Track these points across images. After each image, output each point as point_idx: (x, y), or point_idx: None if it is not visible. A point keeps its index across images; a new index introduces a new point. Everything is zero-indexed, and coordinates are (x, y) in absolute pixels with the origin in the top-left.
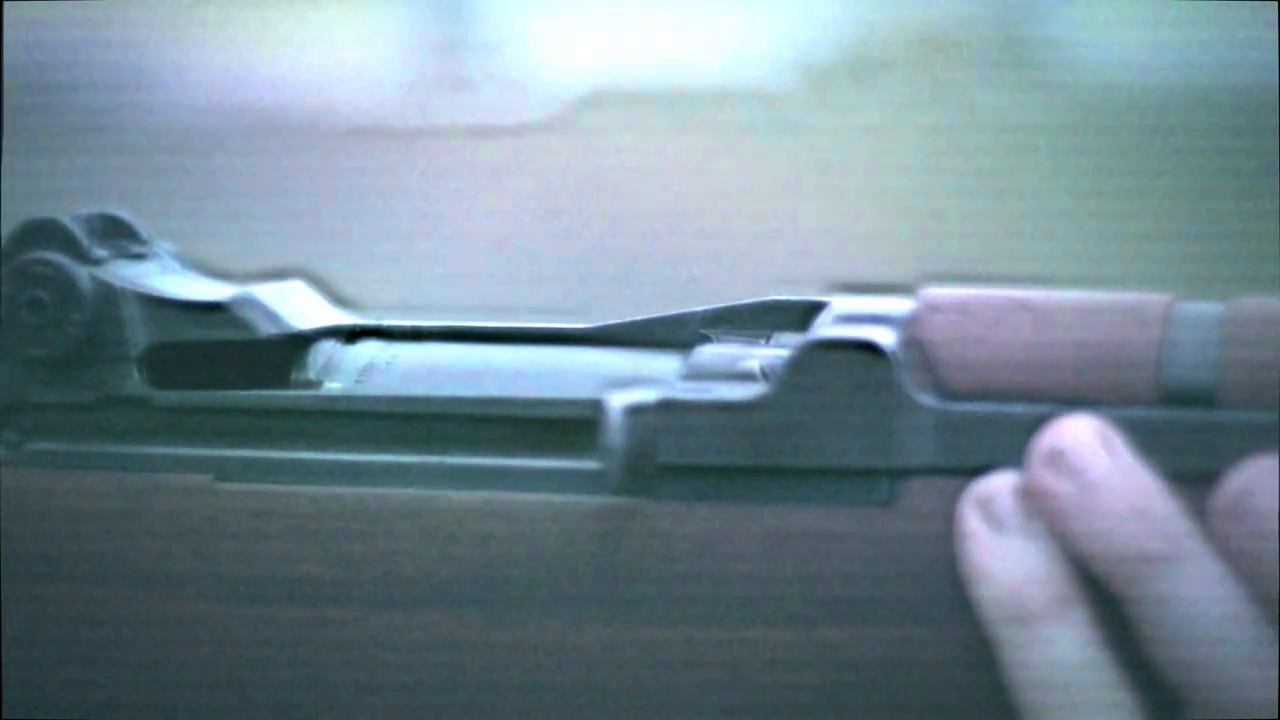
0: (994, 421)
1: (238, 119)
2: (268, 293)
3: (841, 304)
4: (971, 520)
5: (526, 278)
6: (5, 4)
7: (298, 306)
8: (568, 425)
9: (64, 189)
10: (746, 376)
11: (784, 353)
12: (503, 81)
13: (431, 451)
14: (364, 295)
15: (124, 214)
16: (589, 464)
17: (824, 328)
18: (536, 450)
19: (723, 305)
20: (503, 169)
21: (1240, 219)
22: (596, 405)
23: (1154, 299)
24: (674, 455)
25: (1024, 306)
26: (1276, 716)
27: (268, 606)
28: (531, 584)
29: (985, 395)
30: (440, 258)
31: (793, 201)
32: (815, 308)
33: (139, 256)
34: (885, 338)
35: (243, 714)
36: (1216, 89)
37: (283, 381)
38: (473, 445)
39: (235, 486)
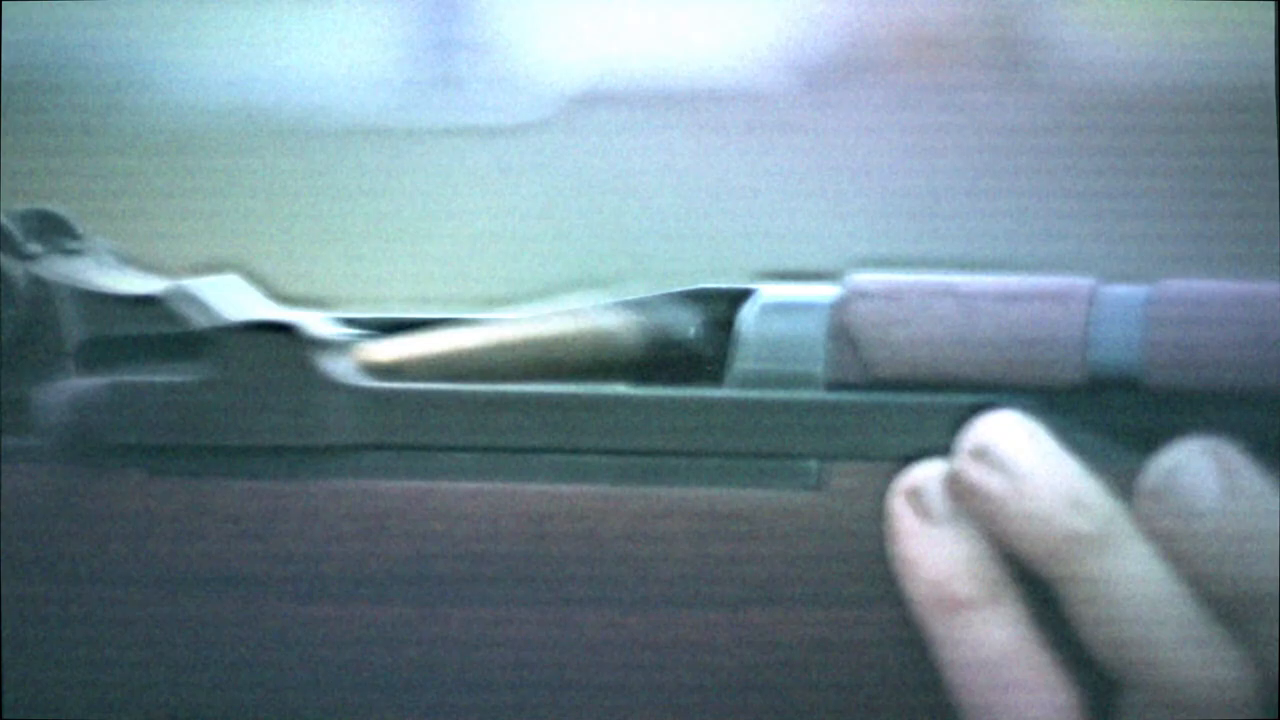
0: (917, 410)
1: (236, 119)
2: (202, 286)
3: (768, 291)
4: (901, 511)
5: (524, 277)
6: (4, 4)
7: (232, 299)
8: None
9: (64, 189)
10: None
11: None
12: (500, 81)
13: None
14: (362, 295)
15: (60, 210)
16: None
17: (742, 315)
18: None
19: (652, 294)
20: (500, 169)
21: (1239, 219)
22: (52, 387)
23: (1079, 282)
24: (123, 434)
25: (950, 292)
26: (1212, 694)
27: (200, 599)
28: (467, 571)
29: (911, 380)
30: (439, 257)
31: (792, 201)
32: (742, 295)
33: (74, 252)
34: (313, 321)
35: (171, 705)
36: (1215, 89)
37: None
38: None
39: (168, 480)
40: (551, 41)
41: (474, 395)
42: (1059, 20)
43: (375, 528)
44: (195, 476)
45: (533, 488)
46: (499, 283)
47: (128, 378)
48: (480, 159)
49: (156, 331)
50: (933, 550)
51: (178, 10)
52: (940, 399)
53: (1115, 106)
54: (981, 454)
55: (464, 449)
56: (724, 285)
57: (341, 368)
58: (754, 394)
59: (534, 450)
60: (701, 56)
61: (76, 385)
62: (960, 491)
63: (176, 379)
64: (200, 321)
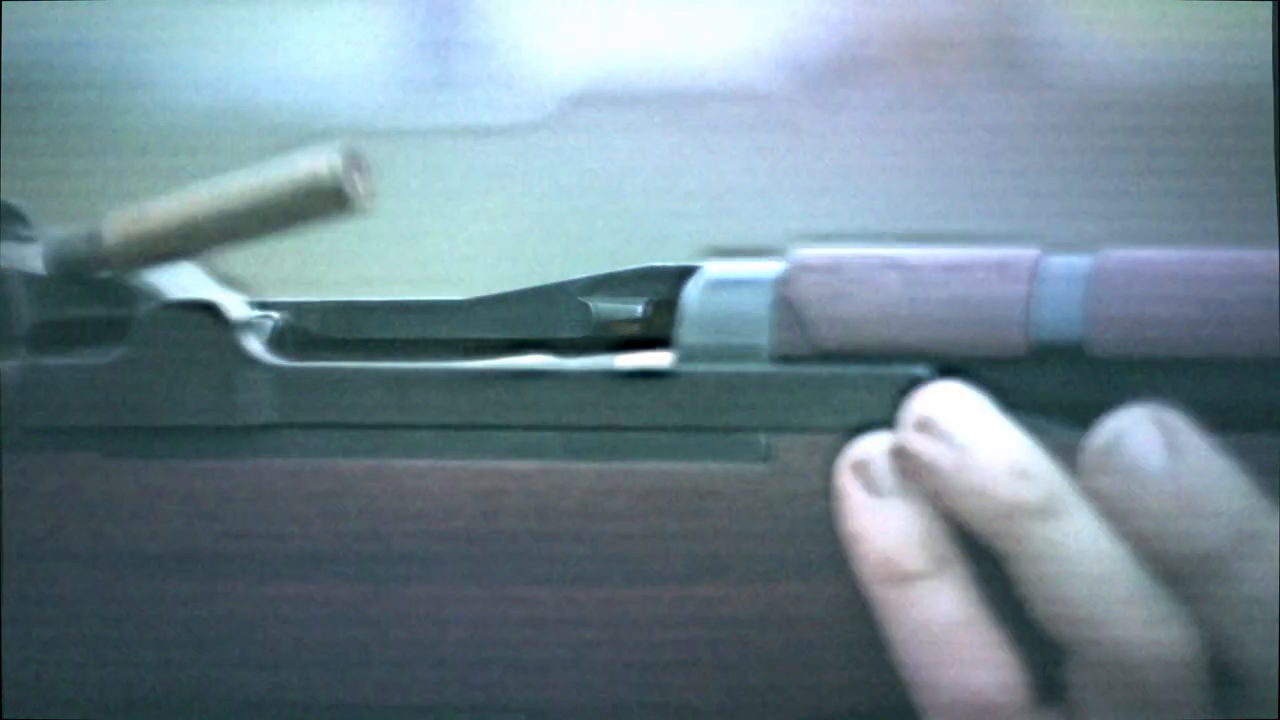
0: (862, 381)
1: (236, 119)
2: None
3: (713, 268)
4: (847, 484)
5: (523, 277)
6: (4, 4)
7: (182, 283)
8: None
9: (63, 189)
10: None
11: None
12: (499, 81)
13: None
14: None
15: (13, 201)
16: None
17: (686, 292)
18: None
19: (599, 273)
20: (497, 169)
21: (1239, 219)
22: None
23: (1023, 253)
24: (40, 417)
25: (894, 264)
26: (1161, 657)
27: (157, 579)
28: (418, 547)
29: (856, 352)
30: (437, 257)
31: (790, 201)
32: (688, 272)
33: (27, 240)
34: (231, 302)
35: (128, 684)
36: (1215, 89)
37: None
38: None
39: (120, 462)
40: (551, 41)
41: (410, 373)
42: (1059, 20)
43: (310, 506)
44: (115, 457)
45: (481, 464)
46: (498, 282)
47: (41, 361)
48: (480, 159)
49: (101, 314)
50: (878, 523)
51: (178, 10)
52: (886, 369)
53: (1115, 106)
54: (925, 425)
55: (401, 427)
56: (671, 264)
57: (259, 347)
58: (700, 367)
59: (479, 427)
60: (701, 56)
61: None
62: (905, 463)
63: (92, 361)
64: (150, 302)
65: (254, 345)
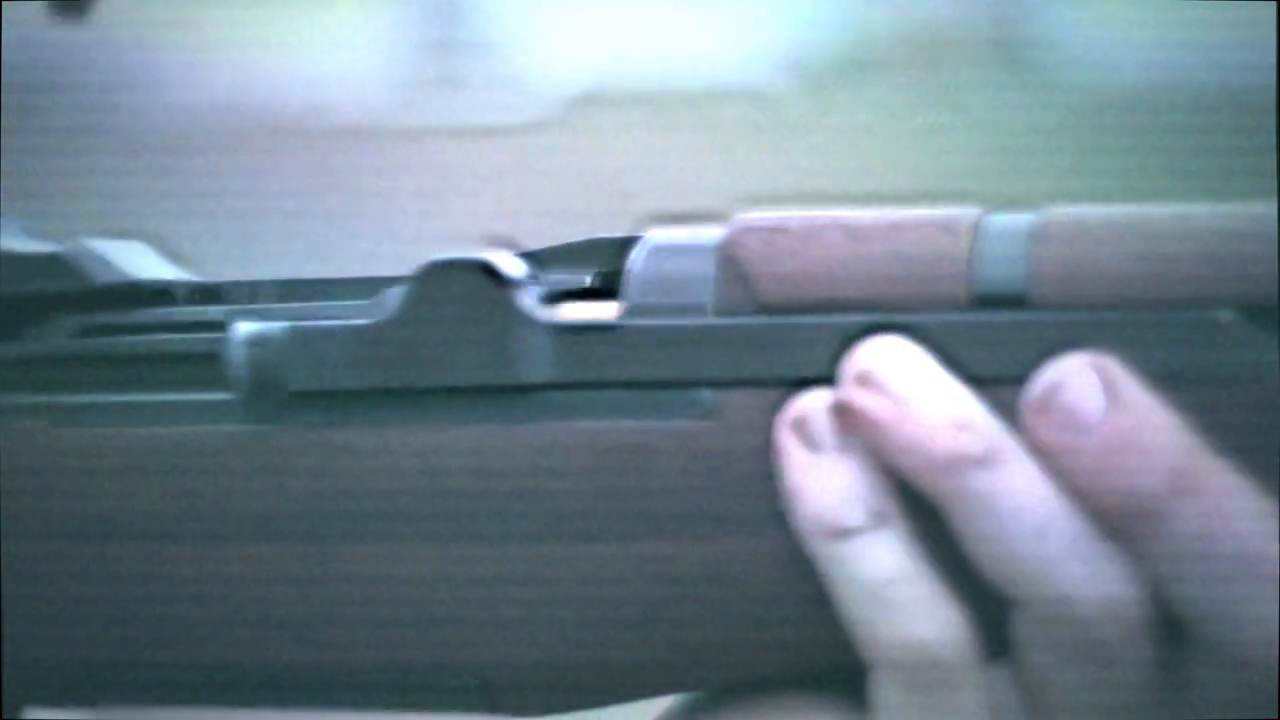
0: (809, 332)
1: (236, 119)
2: (104, 246)
3: (656, 235)
4: (787, 440)
5: None
6: (4, 4)
7: (135, 261)
8: (206, 360)
9: (63, 189)
10: (384, 308)
11: None
12: (500, 81)
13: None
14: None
15: None
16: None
17: (631, 258)
18: (175, 386)
19: (545, 246)
20: (499, 169)
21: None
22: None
23: (965, 212)
24: (303, 382)
25: (837, 225)
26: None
27: (108, 545)
28: (360, 511)
29: (800, 307)
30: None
31: (788, 201)
32: (635, 241)
33: None
34: (506, 260)
35: (81, 650)
36: (1216, 89)
37: (118, 331)
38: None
39: (70, 430)
40: (551, 41)
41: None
42: (1059, 20)
43: (273, 471)
44: (378, 425)
45: (424, 428)
46: None
47: (303, 323)
48: (480, 159)
49: (60, 288)
50: (817, 479)
51: (178, 10)
52: (829, 322)
53: (1115, 106)
54: (865, 379)
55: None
56: (617, 234)
57: (535, 307)
58: (644, 321)
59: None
60: (701, 56)
61: (249, 333)
62: (845, 418)
63: (359, 321)
64: (103, 278)
65: (530, 303)
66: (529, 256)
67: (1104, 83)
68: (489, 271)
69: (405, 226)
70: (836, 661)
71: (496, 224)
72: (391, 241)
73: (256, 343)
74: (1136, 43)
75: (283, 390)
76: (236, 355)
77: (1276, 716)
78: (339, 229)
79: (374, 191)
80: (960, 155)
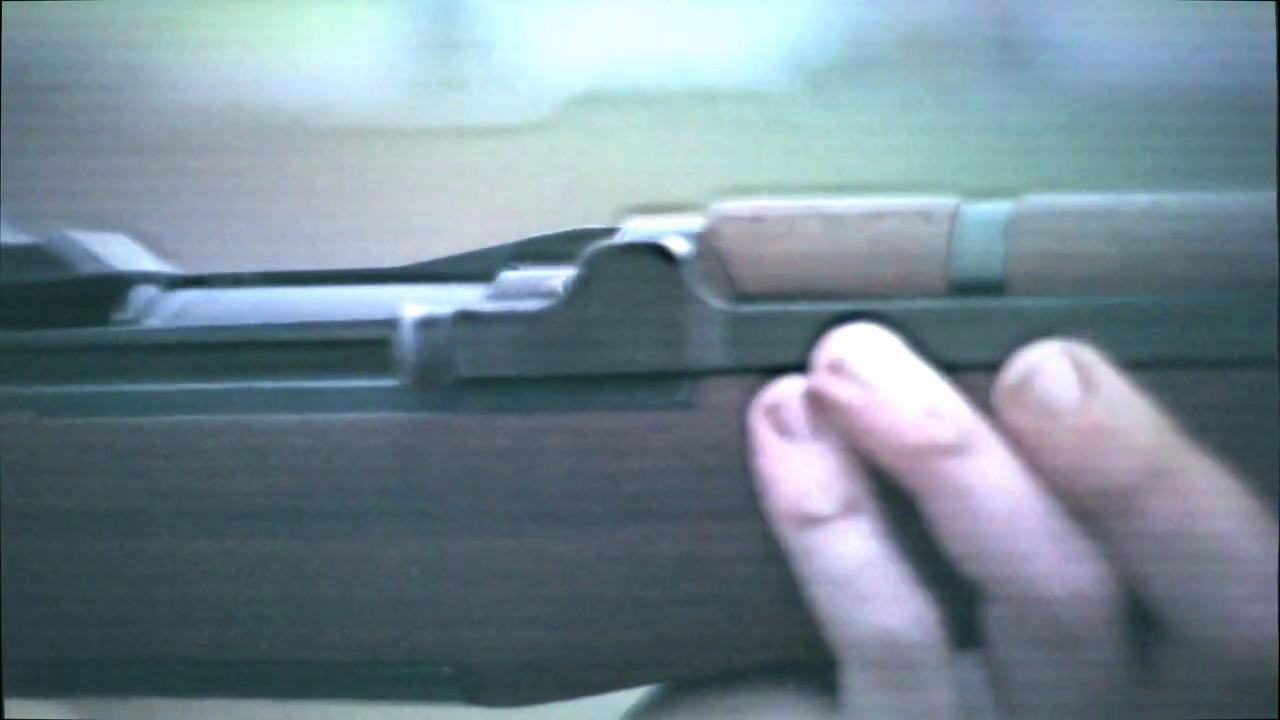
0: (789, 320)
1: (236, 119)
2: (88, 237)
3: (636, 225)
4: (760, 428)
5: None
6: (4, 4)
7: (118, 252)
8: (370, 345)
9: (63, 189)
10: (550, 294)
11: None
12: (501, 81)
13: (243, 379)
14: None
15: None
16: (391, 381)
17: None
18: (340, 371)
19: (527, 238)
20: (499, 169)
21: None
22: (393, 323)
23: (942, 200)
24: (472, 368)
25: (815, 213)
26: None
27: (93, 536)
28: (342, 501)
29: (780, 296)
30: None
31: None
32: (614, 233)
33: None
34: (673, 241)
35: (66, 641)
36: (1216, 89)
37: (102, 322)
38: (280, 371)
39: (57, 421)
40: (552, 41)
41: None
42: (1059, 20)
43: (242, 461)
44: (544, 411)
45: (400, 416)
46: None
47: (472, 308)
48: (480, 159)
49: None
50: (790, 466)
51: (178, 10)
52: (807, 310)
53: (1115, 106)
54: (837, 367)
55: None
56: (597, 225)
57: (706, 289)
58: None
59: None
60: (701, 56)
61: (420, 317)
62: (818, 406)
63: (529, 307)
64: (86, 270)
65: (699, 286)
66: (509, 249)
67: (1104, 83)
68: (660, 253)
69: (405, 226)
70: (816, 651)
71: (497, 223)
72: (392, 241)
73: (427, 327)
74: (1137, 43)
75: (453, 376)
76: (406, 341)
77: (1277, 717)
78: (338, 229)
79: (373, 191)
80: (961, 155)
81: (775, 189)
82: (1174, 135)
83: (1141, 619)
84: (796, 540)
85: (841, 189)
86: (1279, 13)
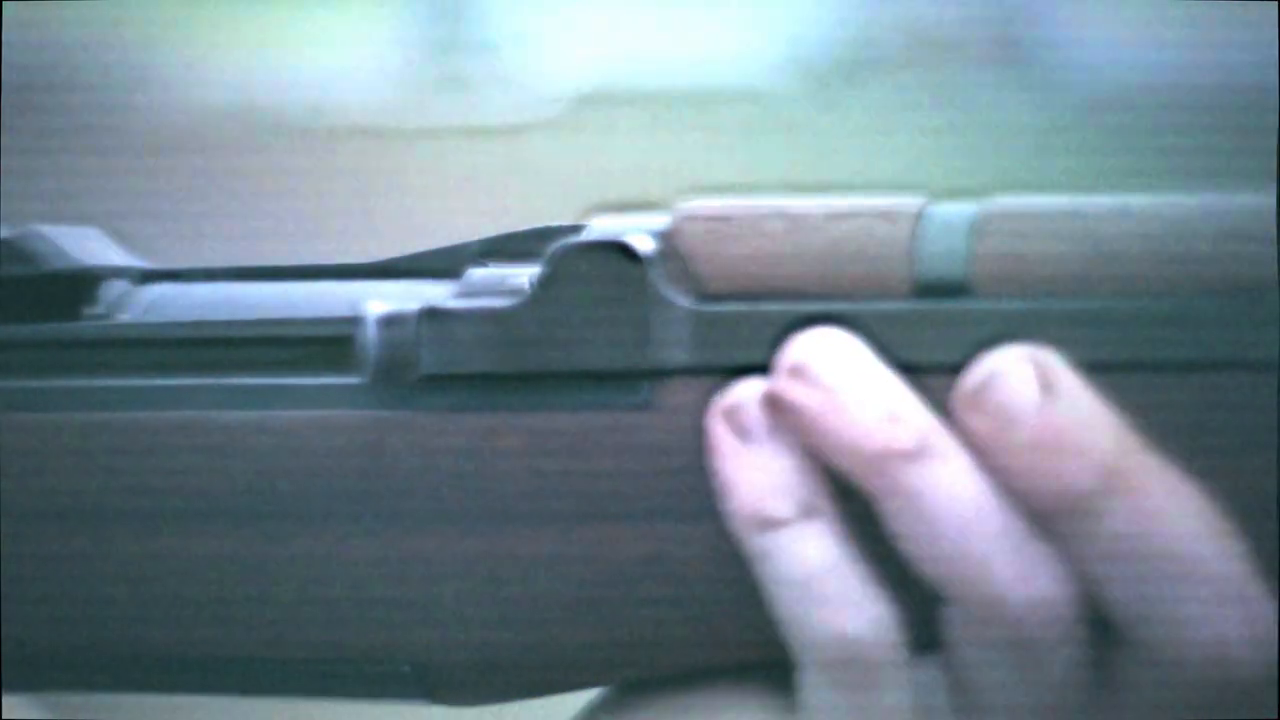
0: (752, 320)
1: (236, 119)
2: (57, 232)
3: (600, 223)
4: (718, 430)
5: None
6: (5, 4)
7: (88, 247)
8: (335, 342)
9: (63, 189)
10: (516, 292)
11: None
12: (502, 81)
13: (206, 374)
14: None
15: None
16: (354, 378)
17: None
18: (304, 368)
19: (493, 235)
20: (504, 169)
21: None
22: (356, 320)
23: (906, 200)
24: (436, 365)
25: (779, 213)
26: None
27: (59, 532)
28: (303, 498)
29: (743, 296)
30: None
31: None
32: (581, 230)
33: None
34: (639, 239)
35: (27, 635)
36: (1217, 89)
37: (72, 317)
38: (244, 367)
39: (23, 416)
40: (551, 41)
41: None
42: (1061, 20)
43: (204, 457)
44: (511, 410)
45: (360, 414)
46: None
47: (436, 305)
48: (480, 159)
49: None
50: (748, 469)
51: (178, 10)
52: (770, 310)
53: (1115, 106)
54: (798, 371)
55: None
56: (561, 223)
57: (671, 288)
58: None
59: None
60: (701, 56)
61: (382, 314)
62: (778, 409)
63: (494, 304)
64: (55, 264)
65: (665, 285)
66: (477, 246)
67: (1106, 83)
68: (625, 251)
69: (406, 226)
70: (774, 652)
71: (500, 223)
72: (395, 242)
73: (390, 324)
74: (1138, 43)
75: (415, 374)
76: (369, 337)
77: (1277, 717)
78: (343, 229)
79: (373, 190)
80: (961, 156)
81: (778, 188)
82: (1175, 135)
83: (1100, 623)
84: (754, 542)
85: (841, 189)
86: None
